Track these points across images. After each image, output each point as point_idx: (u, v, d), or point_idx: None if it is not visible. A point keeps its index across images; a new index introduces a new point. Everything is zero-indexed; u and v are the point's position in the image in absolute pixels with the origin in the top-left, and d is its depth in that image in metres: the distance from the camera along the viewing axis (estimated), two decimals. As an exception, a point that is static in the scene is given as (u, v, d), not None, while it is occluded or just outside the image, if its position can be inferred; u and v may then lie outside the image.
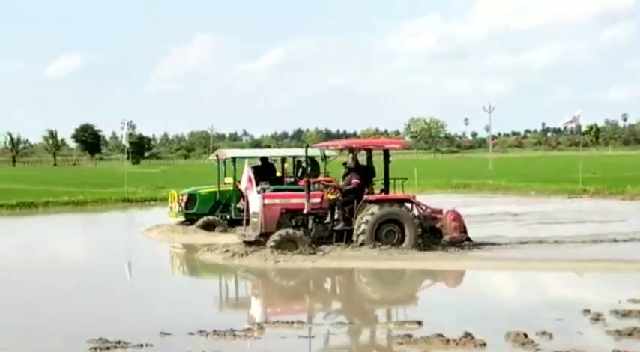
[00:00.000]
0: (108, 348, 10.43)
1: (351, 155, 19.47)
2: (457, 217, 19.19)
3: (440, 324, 11.10)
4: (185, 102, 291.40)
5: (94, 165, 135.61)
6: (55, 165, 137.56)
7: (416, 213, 19.16)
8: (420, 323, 11.46)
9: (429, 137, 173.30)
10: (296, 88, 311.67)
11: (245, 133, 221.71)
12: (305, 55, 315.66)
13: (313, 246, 18.21)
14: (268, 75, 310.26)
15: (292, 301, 15.23)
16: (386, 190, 19.28)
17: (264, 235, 18.69)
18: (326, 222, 18.91)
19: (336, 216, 18.92)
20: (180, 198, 25.44)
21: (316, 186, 19.87)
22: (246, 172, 20.13)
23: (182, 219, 25.40)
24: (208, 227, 23.94)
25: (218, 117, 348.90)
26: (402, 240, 18.50)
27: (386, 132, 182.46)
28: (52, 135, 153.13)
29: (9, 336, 11.56)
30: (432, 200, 37.62)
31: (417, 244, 18.51)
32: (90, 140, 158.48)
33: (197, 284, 18.05)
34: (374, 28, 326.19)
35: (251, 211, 19.63)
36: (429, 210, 19.58)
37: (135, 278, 18.76)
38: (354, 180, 19.04)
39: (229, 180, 25.36)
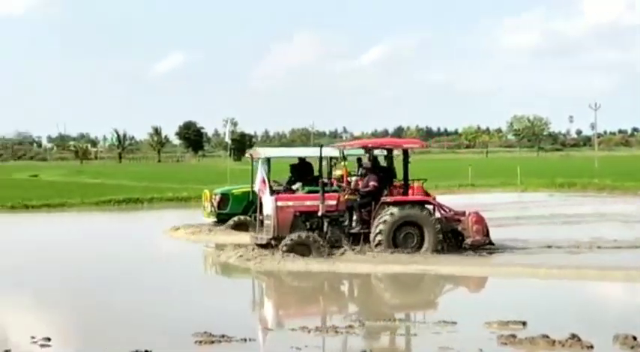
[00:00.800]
0: (212, 342, 10.59)
1: (367, 155, 18.95)
2: (479, 220, 18.48)
3: (544, 326, 10.90)
4: (286, 99, 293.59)
5: (197, 161, 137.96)
6: (159, 161, 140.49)
7: (438, 215, 18.58)
8: (524, 323, 11.28)
9: (532, 135, 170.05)
10: (397, 86, 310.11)
11: (345, 131, 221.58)
12: (406, 51, 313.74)
13: (327, 248, 17.70)
14: (369, 72, 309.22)
15: (379, 301, 15.16)
16: (404, 191, 18.56)
17: (277, 239, 18.16)
18: (343, 224, 18.39)
19: (352, 219, 18.40)
20: (213, 197, 25.07)
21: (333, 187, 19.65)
22: (260, 173, 19.64)
23: (214, 218, 24.89)
24: (239, 227, 23.32)
25: (319, 114, 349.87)
26: (420, 244, 17.93)
27: (487, 129, 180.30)
28: (157, 132, 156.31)
29: (118, 330, 11.85)
30: (535, 199, 37.79)
31: (438, 248, 17.95)
32: (193, 137, 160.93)
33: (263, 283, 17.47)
34: (476, 24, 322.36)
35: (264, 213, 19.02)
36: (451, 212, 18.93)
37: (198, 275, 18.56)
38: (372, 183, 18.47)
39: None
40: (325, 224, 18.25)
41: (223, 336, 10.75)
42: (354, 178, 31.06)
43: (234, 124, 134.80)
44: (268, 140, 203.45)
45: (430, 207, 18.54)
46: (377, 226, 17.83)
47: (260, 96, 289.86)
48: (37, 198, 37.61)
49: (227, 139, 50.20)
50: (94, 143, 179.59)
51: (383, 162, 20.33)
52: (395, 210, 17.90)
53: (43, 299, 14.86)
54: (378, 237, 17.75)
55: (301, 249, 17.61)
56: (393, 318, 11.87)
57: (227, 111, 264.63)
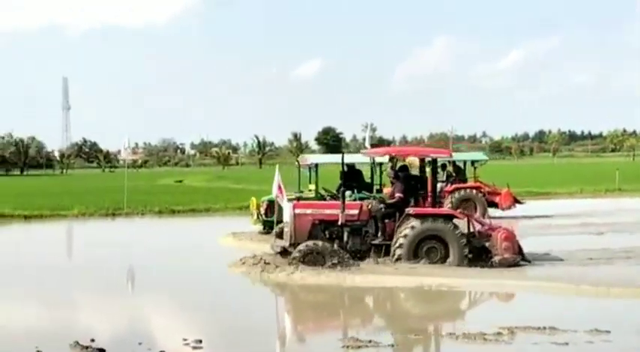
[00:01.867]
0: (359, 347, 10.57)
1: (390, 164, 17.90)
2: (509, 236, 17.25)
3: None
4: (425, 104, 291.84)
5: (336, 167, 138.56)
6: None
7: (471, 229, 17.54)
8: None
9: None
10: (538, 88, 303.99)
11: (484, 135, 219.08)
12: (547, 53, 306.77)
13: (346, 258, 16.80)
14: (510, 75, 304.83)
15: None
16: (432, 203, 17.70)
17: (295, 247, 17.26)
18: (366, 234, 17.56)
19: (374, 229, 17.58)
20: (261, 204, 24.76)
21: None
22: (277, 179, 19.16)
23: (261, 226, 24.45)
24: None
25: (458, 118, 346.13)
26: (444, 258, 16.95)
27: (634, 132, 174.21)
28: (297, 138, 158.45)
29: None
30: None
31: (463, 264, 16.85)
32: (332, 143, 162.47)
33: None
34: (621, 23, 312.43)
35: (283, 220, 18.39)
36: (485, 226, 17.93)
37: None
38: (397, 193, 17.72)
39: (312, 186, 24.57)
40: (345, 234, 17.51)
41: (370, 341, 10.75)
42: (439, 185, 30.69)
43: (374, 129, 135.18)
44: (406, 145, 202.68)
45: (457, 220, 17.53)
46: (397, 240, 17.03)
47: (399, 100, 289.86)
48: (182, 203, 38.60)
49: (367, 144, 50.11)
50: (235, 149, 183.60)
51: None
52: (416, 223, 17.01)
53: (193, 301, 15.13)
54: (398, 251, 16.92)
55: (315, 258, 16.76)
56: (544, 326, 11.49)
57: (366, 116, 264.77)
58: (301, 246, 16.91)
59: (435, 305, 14.73)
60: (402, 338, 11.19)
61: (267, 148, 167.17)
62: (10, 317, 13.82)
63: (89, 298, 15.60)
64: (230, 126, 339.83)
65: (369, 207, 17.78)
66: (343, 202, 17.54)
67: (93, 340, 10.88)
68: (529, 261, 17.56)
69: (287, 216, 17.85)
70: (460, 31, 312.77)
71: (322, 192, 23.89)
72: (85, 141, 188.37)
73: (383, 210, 17.62)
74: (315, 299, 15.62)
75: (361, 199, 20.36)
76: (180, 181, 70.62)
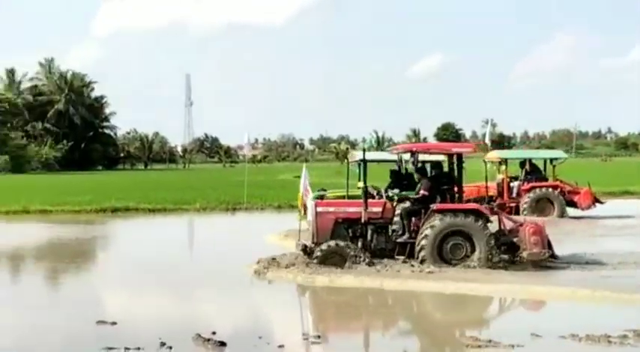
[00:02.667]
0: (479, 346, 10.49)
1: (411, 160, 17.42)
2: (537, 230, 16.74)
3: None
4: (547, 100, 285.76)
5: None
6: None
7: (499, 226, 17.11)
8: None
9: None
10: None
11: (609, 131, 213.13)
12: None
13: (366, 259, 16.42)
14: (635, 70, 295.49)
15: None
16: (459, 198, 17.13)
17: (318, 246, 16.93)
18: (391, 232, 17.14)
19: (398, 227, 17.10)
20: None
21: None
22: (304, 177, 18.52)
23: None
24: None
25: (582, 114, 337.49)
26: (470, 255, 16.39)
27: None
28: (415, 134, 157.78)
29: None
30: None
31: (489, 260, 16.29)
32: (451, 139, 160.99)
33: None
34: None
35: (307, 219, 18.08)
36: (517, 223, 17.39)
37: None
38: (422, 191, 17.16)
39: (361, 183, 24.13)
40: (369, 232, 17.14)
41: (490, 341, 10.66)
42: (516, 183, 29.98)
43: (494, 125, 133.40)
44: (528, 141, 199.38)
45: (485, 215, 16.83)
46: (419, 241, 16.51)
47: (520, 96, 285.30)
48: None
49: (487, 140, 49.43)
50: (354, 145, 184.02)
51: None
52: (437, 220, 16.50)
53: (315, 297, 15.30)
54: (422, 254, 16.40)
55: (336, 259, 16.51)
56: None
57: (486, 112, 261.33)
58: (323, 246, 16.70)
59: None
60: (523, 339, 10.97)
61: (386, 144, 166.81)
62: (135, 310, 14.21)
63: (211, 291, 15.84)
64: (349, 122, 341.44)
65: (394, 204, 17.48)
66: (366, 200, 17.22)
67: (214, 333, 11.05)
68: (557, 257, 17.24)
69: (310, 215, 17.69)
70: (581, 25, 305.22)
71: (370, 189, 23.71)
72: (207, 136, 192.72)
73: (408, 207, 17.26)
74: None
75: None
76: (299, 177, 71.01)
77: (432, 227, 16.42)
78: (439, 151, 19.23)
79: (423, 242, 16.39)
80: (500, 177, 30.25)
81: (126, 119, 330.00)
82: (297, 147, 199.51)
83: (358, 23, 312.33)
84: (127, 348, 10.33)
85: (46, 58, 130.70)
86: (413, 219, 17.04)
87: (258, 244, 22.14)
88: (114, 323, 12.02)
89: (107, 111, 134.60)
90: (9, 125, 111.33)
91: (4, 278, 18.31)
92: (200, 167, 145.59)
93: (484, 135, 57.32)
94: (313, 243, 17.06)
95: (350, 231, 17.18)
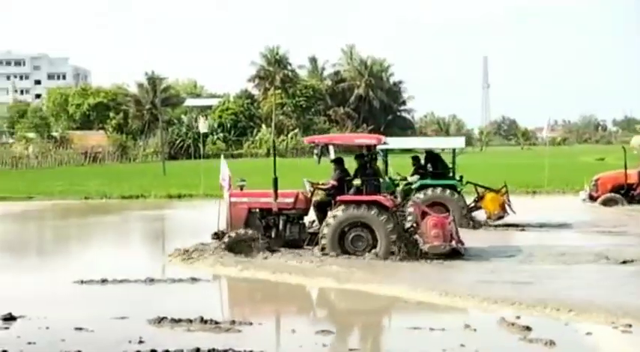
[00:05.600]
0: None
1: (315, 151, 17.92)
2: (439, 223, 16.61)
3: None
4: None
5: None
6: None
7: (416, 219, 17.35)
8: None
9: None
10: None
11: None
12: None
13: (263, 249, 16.84)
14: None
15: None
16: (366, 190, 16.82)
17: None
18: (302, 223, 17.70)
19: (312, 218, 17.76)
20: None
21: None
22: (224, 167, 18.59)
23: None
24: None
25: None
26: (372, 247, 16.46)
27: None
28: None
29: None
30: None
31: (390, 252, 16.29)
32: None
33: None
34: None
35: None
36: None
37: None
38: (332, 180, 17.41)
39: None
40: (281, 222, 17.51)
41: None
42: None
43: None
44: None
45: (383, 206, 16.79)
46: (322, 229, 16.79)
47: None
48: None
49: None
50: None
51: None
52: (340, 211, 16.62)
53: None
54: (322, 242, 16.65)
55: (243, 246, 16.93)
56: None
57: None
58: (232, 233, 17.18)
59: None
60: None
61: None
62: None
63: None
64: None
65: (308, 195, 17.71)
66: (276, 190, 17.52)
67: (518, 317, 11.35)
68: (463, 252, 16.91)
69: (225, 205, 18.02)
70: None
71: (395, 176, 23.73)
72: (504, 118, 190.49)
73: (319, 199, 17.64)
74: None
75: (425, 186, 22.02)
76: (602, 159, 68.74)
77: (334, 217, 16.67)
78: (342, 143, 21.46)
79: (325, 231, 16.69)
80: None
81: (423, 103, 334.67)
82: (599, 128, 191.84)
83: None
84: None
85: (348, 44, 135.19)
86: (327, 210, 17.16)
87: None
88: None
89: (405, 95, 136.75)
90: (313, 110, 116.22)
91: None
92: (497, 149, 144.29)
93: None
94: (226, 232, 17.53)
95: (263, 221, 17.66)
